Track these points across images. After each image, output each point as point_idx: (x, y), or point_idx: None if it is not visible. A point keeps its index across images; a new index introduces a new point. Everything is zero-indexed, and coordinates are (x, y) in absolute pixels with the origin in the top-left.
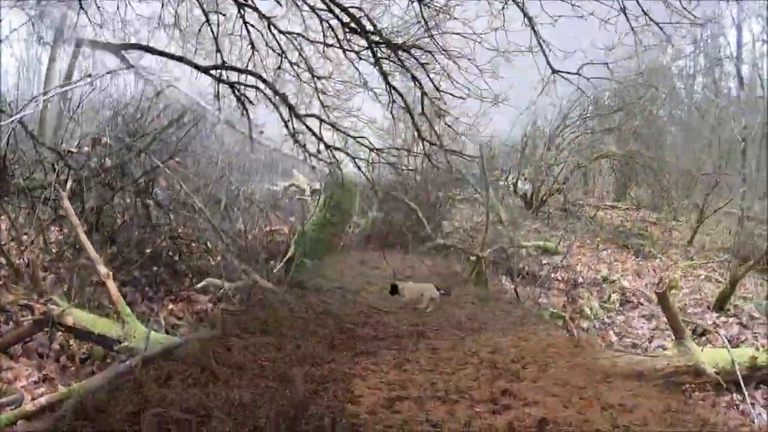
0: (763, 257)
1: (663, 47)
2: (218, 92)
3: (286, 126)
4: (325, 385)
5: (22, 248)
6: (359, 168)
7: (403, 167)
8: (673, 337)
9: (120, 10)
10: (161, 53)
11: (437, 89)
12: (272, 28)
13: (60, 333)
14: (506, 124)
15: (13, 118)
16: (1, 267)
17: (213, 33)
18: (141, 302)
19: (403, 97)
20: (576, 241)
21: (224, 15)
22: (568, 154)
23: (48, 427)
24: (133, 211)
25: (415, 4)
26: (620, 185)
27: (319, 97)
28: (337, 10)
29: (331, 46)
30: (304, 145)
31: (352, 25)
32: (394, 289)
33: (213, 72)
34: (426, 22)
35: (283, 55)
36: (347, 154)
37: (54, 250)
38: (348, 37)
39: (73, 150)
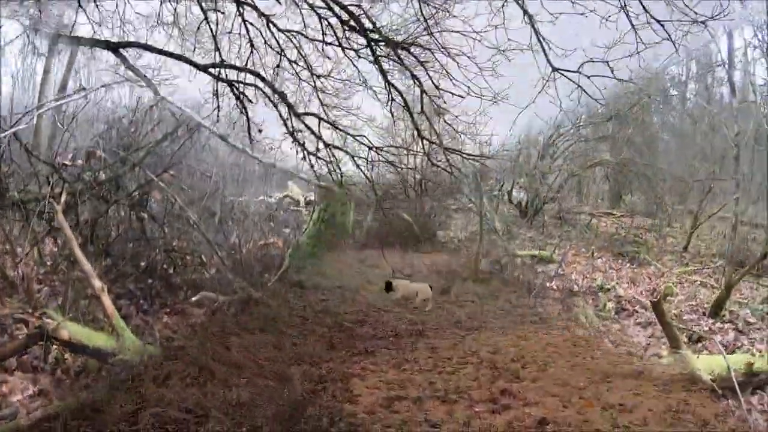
0: (757, 262)
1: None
2: (217, 90)
3: (285, 124)
4: (324, 384)
5: (17, 261)
6: (358, 166)
7: (403, 166)
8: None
9: (119, 9)
10: (160, 51)
11: (437, 87)
12: (271, 26)
13: (55, 346)
14: (506, 122)
15: (6, 132)
16: None
17: (212, 31)
18: (136, 315)
19: (402, 96)
20: (571, 249)
21: (223, 13)
22: (562, 162)
23: None
24: (127, 224)
25: (415, 1)
26: (614, 193)
27: (318, 96)
28: (336, 8)
29: (330, 44)
30: (303, 144)
31: (351, 23)
32: (388, 286)
33: (212, 70)
34: (425, 20)
35: (282, 54)
36: (346, 152)
37: (48, 263)
38: (347, 35)
39: (68, 163)
